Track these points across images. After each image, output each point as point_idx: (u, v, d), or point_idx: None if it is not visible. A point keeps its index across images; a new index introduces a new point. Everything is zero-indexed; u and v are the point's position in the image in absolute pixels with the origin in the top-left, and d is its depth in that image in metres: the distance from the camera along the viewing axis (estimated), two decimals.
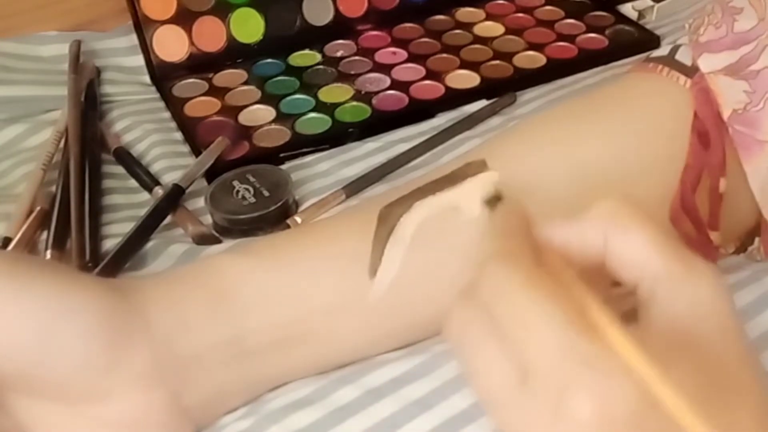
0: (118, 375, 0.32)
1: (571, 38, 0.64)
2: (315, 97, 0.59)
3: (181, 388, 0.33)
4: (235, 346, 0.34)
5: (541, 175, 0.37)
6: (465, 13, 0.68)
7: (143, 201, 0.51)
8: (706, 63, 0.37)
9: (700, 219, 0.37)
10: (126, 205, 0.51)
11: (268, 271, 0.35)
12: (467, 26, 0.67)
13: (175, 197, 0.49)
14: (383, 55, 0.64)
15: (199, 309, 0.34)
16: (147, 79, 0.63)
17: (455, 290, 0.30)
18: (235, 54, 0.64)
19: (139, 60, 0.62)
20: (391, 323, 0.36)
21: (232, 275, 0.35)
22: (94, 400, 0.32)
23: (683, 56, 0.39)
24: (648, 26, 0.65)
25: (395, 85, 0.60)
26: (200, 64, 0.63)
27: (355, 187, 0.50)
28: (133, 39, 0.62)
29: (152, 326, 0.33)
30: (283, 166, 0.53)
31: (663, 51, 0.40)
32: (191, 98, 0.60)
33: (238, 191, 0.49)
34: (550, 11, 0.68)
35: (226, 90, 0.61)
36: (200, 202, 0.50)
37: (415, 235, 0.36)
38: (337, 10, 0.66)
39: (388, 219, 0.36)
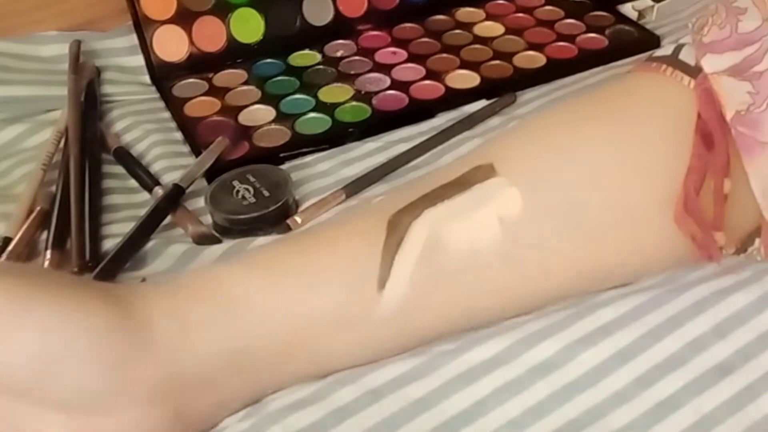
0: (120, 394, 0.32)
1: (571, 38, 0.64)
2: (315, 97, 0.59)
3: (185, 402, 0.33)
4: (238, 359, 0.34)
5: (545, 177, 0.37)
6: (465, 13, 0.68)
7: (143, 201, 0.51)
8: (710, 64, 0.37)
9: (704, 220, 0.37)
10: (126, 205, 0.51)
11: (270, 282, 0.35)
12: (467, 26, 0.66)
13: (175, 197, 0.49)
14: (383, 55, 0.63)
15: (203, 323, 0.34)
16: (147, 79, 0.62)
17: None
18: (235, 54, 0.64)
19: (139, 60, 0.62)
20: (396, 334, 0.36)
21: (234, 287, 0.35)
22: (96, 415, 0.31)
23: (687, 56, 0.39)
24: (648, 26, 0.65)
25: (395, 85, 0.60)
26: (200, 64, 0.63)
27: (355, 187, 0.50)
28: (133, 39, 0.62)
29: (155, 342, 0.32)
30: (283, 166, 0.53)
31: (666, 50, 0.40)
32: (191, 98, 0.60)
33: (238, 191, 0.49)
34: (550, 11, 0.68)
35: (226, 90, 0.61)
36: (200, 202, 0.50)
37: (425, 244, 0.35)
38: (337, 10, 0.66)
39: (397, 228, 0.36)
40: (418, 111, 0.57)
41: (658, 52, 0.40)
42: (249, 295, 0.35)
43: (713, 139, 0.36)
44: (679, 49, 0.39)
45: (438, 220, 0.36)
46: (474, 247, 0.35)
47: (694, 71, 0.38)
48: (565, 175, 0.37)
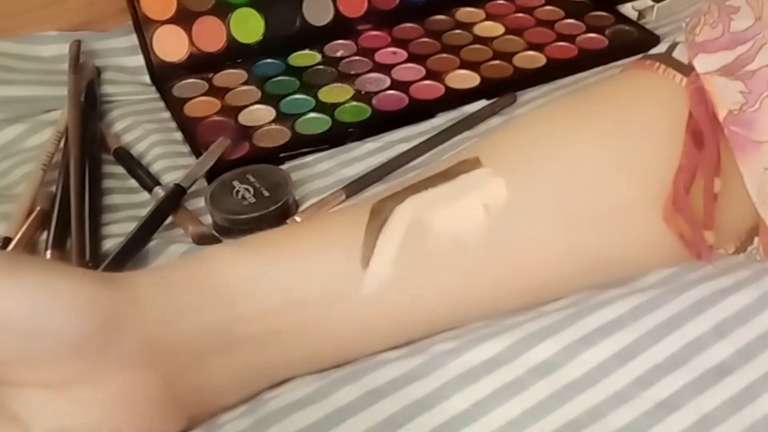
0: (108, 356, 0.31)
1: (571, 38, 0.64)
2: (315, 97, 0.59)
3: (172, 372, 0.33)
4: (224, 334, 0.34)
5: (533, 173, 0.37)
6: (465, 13, 0.68)
7: (143, 201, 0.51)
8: (702, 63, 0.37)
9: (694, 218, 0.37)
10: (126, 205, 0.51)
11: (258, 258, 0.35)
12: (467, 26, 0.66)
13: (176, 197, 0.49)
14: (383, 55, 0.64)
15: (188, 295, 0.34)
16: (147, 79, 0.62)
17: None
18: (235, 54, 0.64)
19: (139, 60, 0.62)
20: (385, 316, 0.36)
21: (222, 263, 0.35)
22: (82, 384, 0.31)
23: (680, 54, 0.39)
24: (648, 26, 0.65)
25: (395, 85, 0.60)
26: (200, 64, 0.63)
27: (355, 187, 0.50)
28: (133, 39, 0.62)
29: (141, 307, 0.33)
30: (283, 166, 0.53)
31: (660, 48, 0.40)
32: (191, 98, 0.60)
33: (238, 191, 0.49)
34: (550, 11, 0.68)
35: (226, 90, 0.61)
36: (200, 202, 0.50)
37: (409, 227, 0.36)
38: (337, 10, 0.66)
39: (380, 212, 0.36)
40: (418, 111, 0.58)
41: (653, 51, 0.40)
42: (232, 272, 0.35)
43: (703, 138, 0.37)
44: (673, 47, 0.39)
45: (422, 206, 0.36)
46: (458, 234, 0.36)
47: (687, 69, 0.38)
48: (551, 166, 0.37)
